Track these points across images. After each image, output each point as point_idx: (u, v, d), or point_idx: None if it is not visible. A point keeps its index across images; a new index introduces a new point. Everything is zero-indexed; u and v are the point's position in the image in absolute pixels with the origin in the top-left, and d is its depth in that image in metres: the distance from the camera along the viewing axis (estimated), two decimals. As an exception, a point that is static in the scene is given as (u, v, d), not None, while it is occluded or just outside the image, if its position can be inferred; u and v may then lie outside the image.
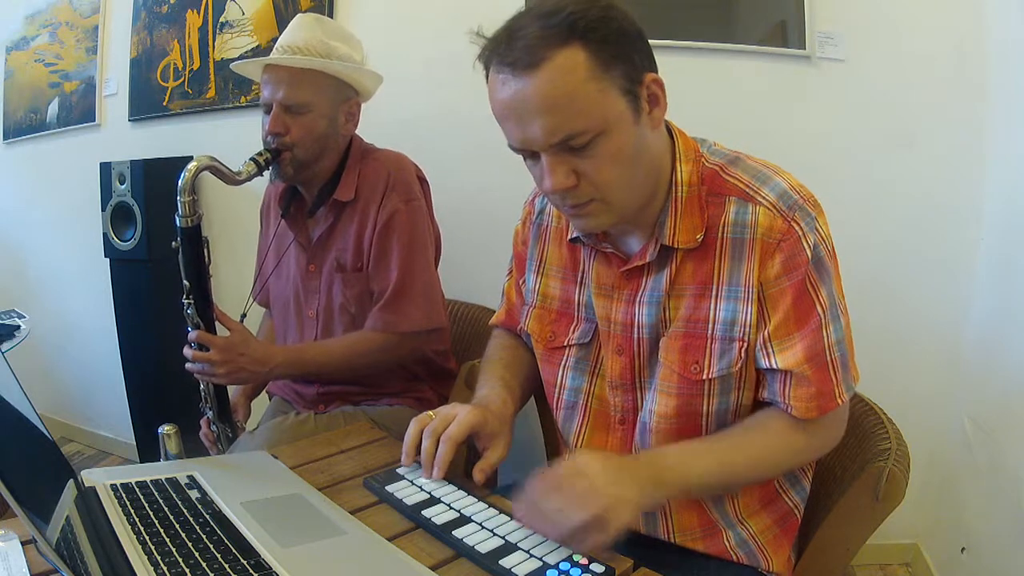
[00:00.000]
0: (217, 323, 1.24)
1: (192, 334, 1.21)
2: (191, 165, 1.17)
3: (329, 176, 1.36)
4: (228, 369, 1.21)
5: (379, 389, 1.42)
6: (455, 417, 0.86)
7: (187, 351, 1.22)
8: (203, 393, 1.30)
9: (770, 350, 0.82)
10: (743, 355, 0.83)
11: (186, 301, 1.20)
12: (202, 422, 1.36)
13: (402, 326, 1.33)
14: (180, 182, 1.16)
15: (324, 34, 1.31)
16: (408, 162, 1.40)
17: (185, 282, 1.19)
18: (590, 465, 0.74)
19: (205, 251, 1.21)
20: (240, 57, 2.12)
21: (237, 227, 1.65)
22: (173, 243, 1.19)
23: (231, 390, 1.42)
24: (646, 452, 0.87)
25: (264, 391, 1.59)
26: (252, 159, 1.25)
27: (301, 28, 1.31)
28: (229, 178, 1.22)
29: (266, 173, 1.29)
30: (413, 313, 1.33)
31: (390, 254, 1.33)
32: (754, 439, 0.84)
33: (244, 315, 1.38)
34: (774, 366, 0.82)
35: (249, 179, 1.25)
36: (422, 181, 1.41)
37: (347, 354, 1.33)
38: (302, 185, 1.38)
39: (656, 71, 0.80)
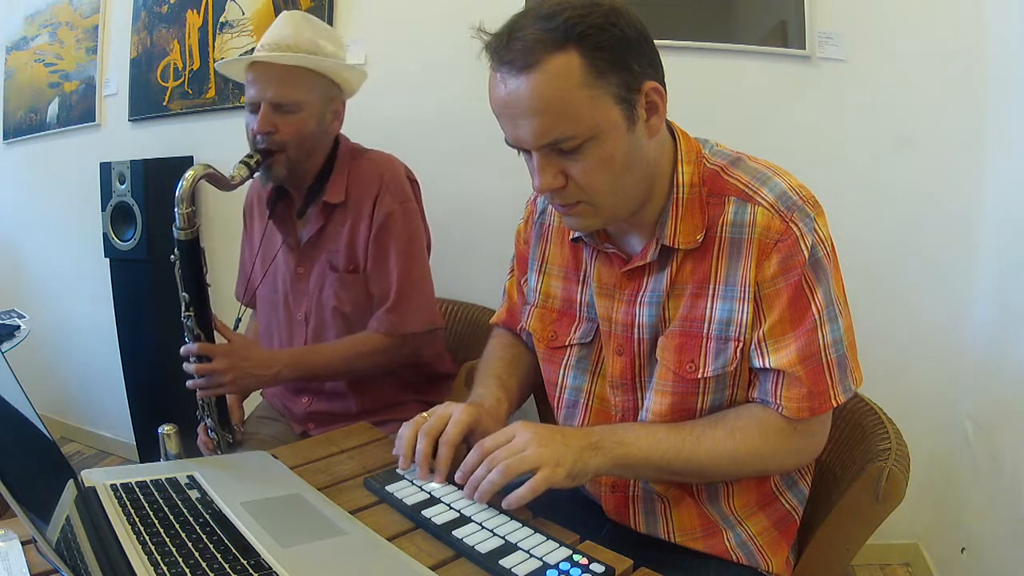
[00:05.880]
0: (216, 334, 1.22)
1: (192, 347, 1.18)
2: (188, 174, 1.14)
3: (315, 176, 1.34)
4: (234, 376, 1.19)
5: (368, 401, 1.39)
6: (450, 417, 0.86)
7: (188, 366, 1.19)
8: (201, 402, 1.27)
9: (764, 350, 0.82)
10: (738, 355, 0.83)
11: (186, 314, 1.17)
12: (199, 430, 1.33)
13: (407, 328, 1.34)
14: (177, 192, 1.13)
15: (312, 31, 1.29)
16: (398, 163, 1.40)
17: (184, 294, 1.16)
18: (520, 430, 0.79)
19: (203, 261, 1.18)
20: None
21: (233, 231, 1.64)
22: (171, 256, 1.16)
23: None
24: (595, 425, 0.89)
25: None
26: (242, 162, 1.23)
27: (288, 25, 1.28)
28: (223, 184, 1.20)
29: (257, 175, 1.27)
30: (416, 315, 1.34)
31: (388, 257, 1.33)
32: (726, 430, 0.83)
33: (239, 319, 1.37)
34: (767, 365, 0.82)
35: (242, 183, 1.23)
36: (412, 182, 1.40)
37: (350, 356, 1.32)
38: (290, 185, 1.36)
39: (660, 78, 0.80)
